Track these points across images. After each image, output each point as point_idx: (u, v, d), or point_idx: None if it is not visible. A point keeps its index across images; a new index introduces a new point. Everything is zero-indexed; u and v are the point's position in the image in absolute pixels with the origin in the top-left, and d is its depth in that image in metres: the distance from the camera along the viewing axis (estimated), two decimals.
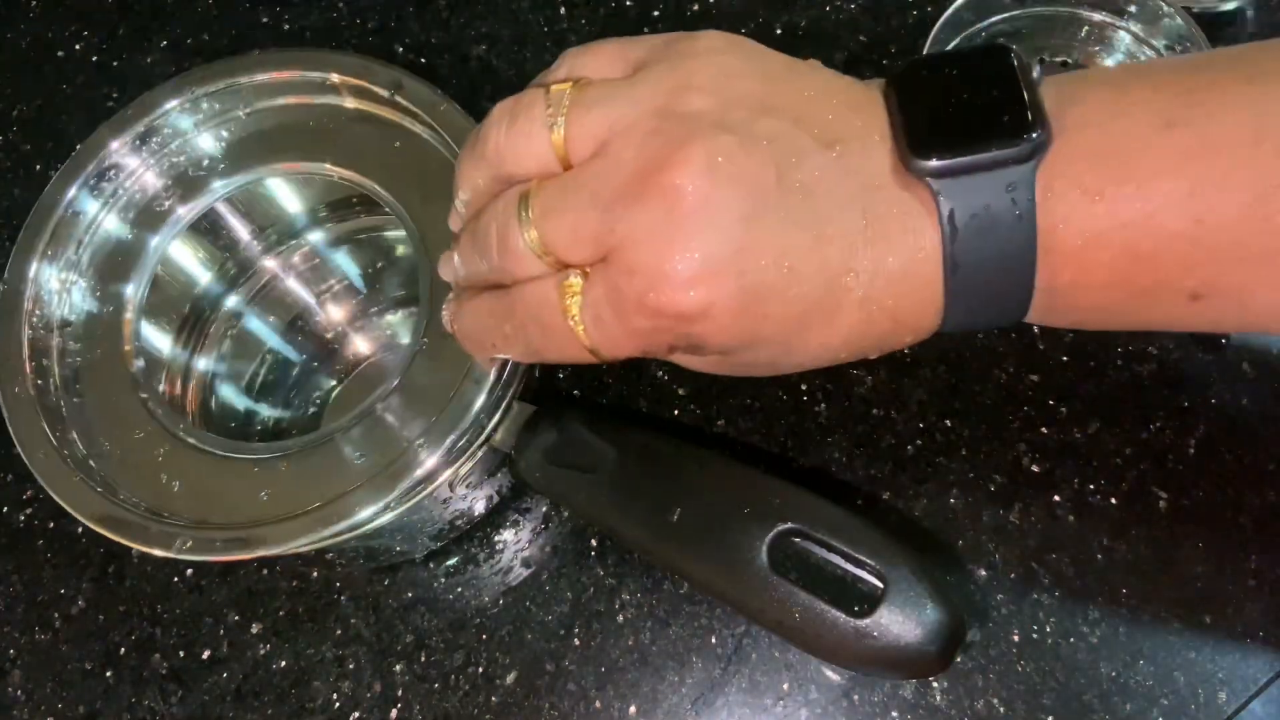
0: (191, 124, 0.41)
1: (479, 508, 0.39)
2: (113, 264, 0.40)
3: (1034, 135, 0.24)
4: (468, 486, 0.36)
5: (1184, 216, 0.24)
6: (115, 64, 0.53)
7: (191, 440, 0.36)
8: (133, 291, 0.39)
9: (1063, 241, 0.25)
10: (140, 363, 0.38)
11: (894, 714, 0.36)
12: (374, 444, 0.34)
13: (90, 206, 0.40)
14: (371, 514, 0.32)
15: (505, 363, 0.34)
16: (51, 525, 0.43)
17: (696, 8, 0.48)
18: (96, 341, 0.39)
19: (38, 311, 0.38)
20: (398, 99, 0.39)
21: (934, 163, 0.25)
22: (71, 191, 0.40)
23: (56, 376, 0.38)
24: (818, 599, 0.30)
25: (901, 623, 0.30)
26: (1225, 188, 0.23)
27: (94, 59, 0.54)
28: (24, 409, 0.36)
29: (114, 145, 0.40)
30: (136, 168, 0.41)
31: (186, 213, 0.41)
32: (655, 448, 0.34)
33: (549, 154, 0.27)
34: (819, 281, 0.26)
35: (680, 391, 0.41)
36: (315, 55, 0.40)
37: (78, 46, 0.54)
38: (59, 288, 0.39)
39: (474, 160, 0.29)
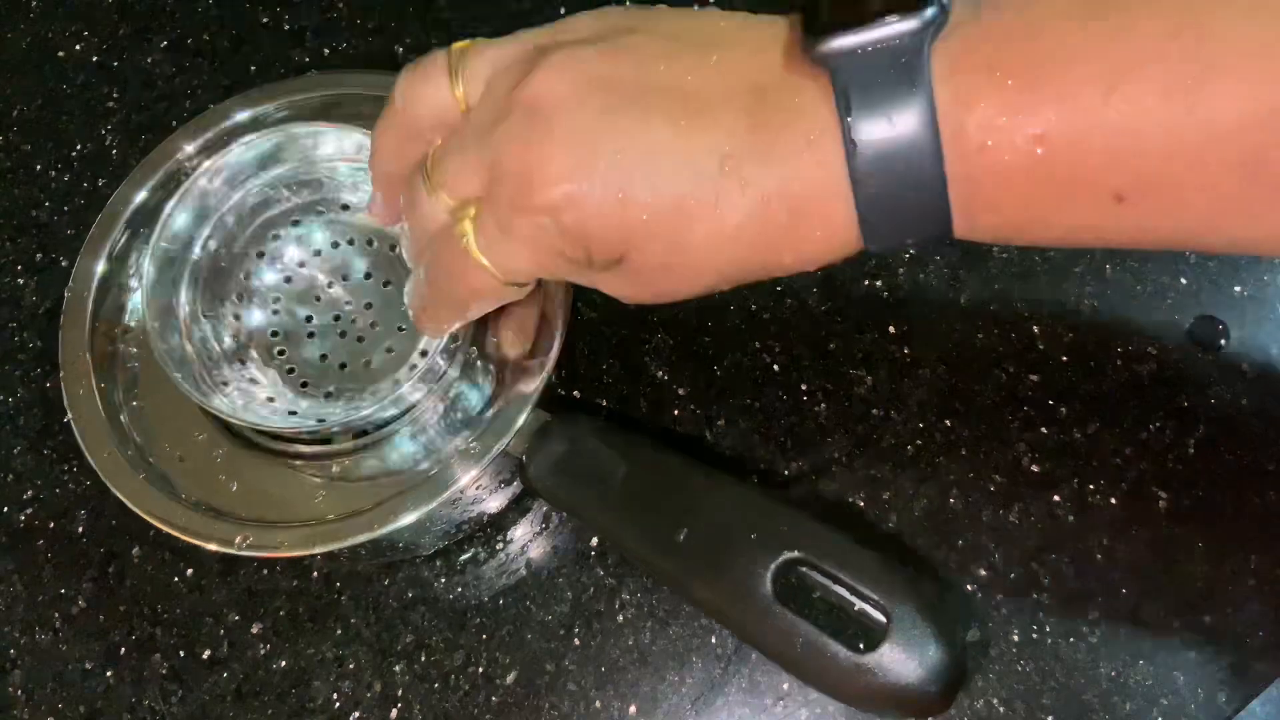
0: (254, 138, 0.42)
1: (487, 509, 0.40)
2: (172, 271, 0.40)
3: (929, 8, 0.24)
4: (478, 488, 0.37)
5: (1101, 104, 0.22)
6: (115, 64, 0.53)
7: (251, 442, 0.37)
8: (190, 297, 0.40)
9: (969, 124, 0.24)
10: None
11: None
12: (423, 449, 0.36)
13: (155, 214, 0.41)
14: (420, 517, 0.33)
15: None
16: (52, 525, 0.43)
17: (695, 8, 0.48)
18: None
19: (101, 315, 0.39)
20: None
21: (827, 44, 0.24)
22: (138, 198, 0.40)
23: (118, 379, 0.39)
24: (820, 631, 0.30)
25: (904, 661, 0.29)
26: (1144, 77, 0.22)
27: (94, 59, 0.54)
28: (88, 410, 0.37)
29: (181, 155, 0.41)
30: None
31: (247, 223, 0.41)
32: (666, 464, 0.34)
33: (450, 102, 0.29)
34: (687, 168, 0.26)
35: (680, 391, 0.41)
36: (377, 76, 0.41)
37: (78, 46, 0.54)
38: (122, 293, 0.40)
39: (384, 120, 0.31)
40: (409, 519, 0.33)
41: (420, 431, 0.36)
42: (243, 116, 0.41)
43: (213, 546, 0.34)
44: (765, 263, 0.28)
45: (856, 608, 0.31)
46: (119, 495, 0.36)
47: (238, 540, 0.34)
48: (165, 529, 0.35)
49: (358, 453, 0.36)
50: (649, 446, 0.35)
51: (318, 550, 0.34)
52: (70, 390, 0.38)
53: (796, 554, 0.31)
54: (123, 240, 0.40)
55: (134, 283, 0.40)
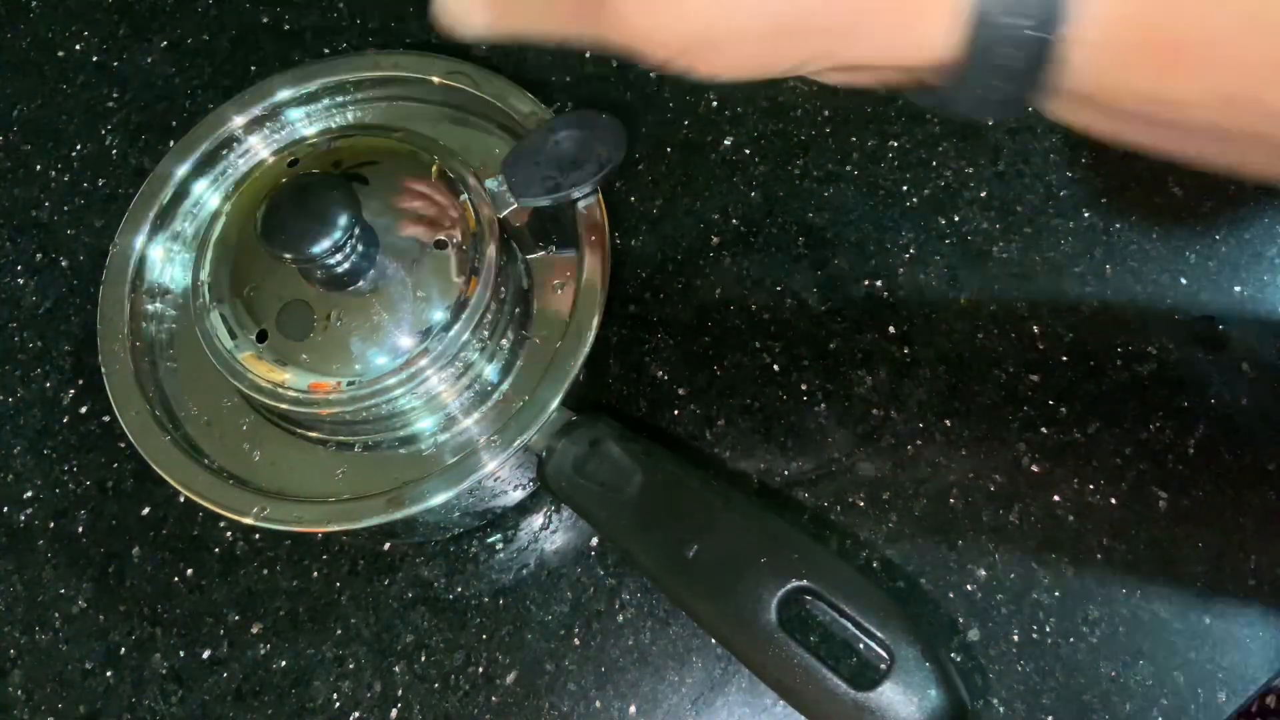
0: (302, 114, 0.42)
1: (502, 503, 0.40)
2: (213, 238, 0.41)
3: None
4: (497, 480, 0.37)
5: None
6: (115, 64, 0.53)
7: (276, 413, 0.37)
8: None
9: None
10: None
11: None
12: (447, 435, 0.36)
13: (200, 182, 0.41)
14: (441, 502, 0.33)
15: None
16: (52, 525, 0.43)
17: None
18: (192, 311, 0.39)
19: (141, 277, 0.40)
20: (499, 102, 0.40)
21: None
22: (185, 166, 0.41)
23: (153, 340, 0.39)
24: (821, 664, 0.30)
25: (903, 703, 0.29)
26: None
27: (94, 59, 0.54)
28: (120, 367, 0.38)
29: (232, 124, 0.41)
30: (249, 148, 0.42)
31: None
32: (682, 478, 0.34)
33: None
34: None
35: (680, 391, 0.41)
36: (427, 59, 0.42)
37: (78, 46, 0.54)
38: (163, 257, 0.41)
39: None
40: (427, 505, 0.33)
41: (444, 418, 0.36)
42: (285, 94, 0.41)
43: (230, 515, 0.34)
44: (834, 24, 0.24)
45: (860, 641, 0.30)
46: (142, 453, 0.36)
47: (254, 510, 0.34)
48: (185, 492, 0.35)
49: (380, 433, 0.36)
50: (669, 459, 0.34)
51: (334, 528, 0.34)
52: (105, 346, 0.38)
53: (805, 583, 0.31)
54: (169, 206, 0.41)
55: (177, 246, 0.41)
